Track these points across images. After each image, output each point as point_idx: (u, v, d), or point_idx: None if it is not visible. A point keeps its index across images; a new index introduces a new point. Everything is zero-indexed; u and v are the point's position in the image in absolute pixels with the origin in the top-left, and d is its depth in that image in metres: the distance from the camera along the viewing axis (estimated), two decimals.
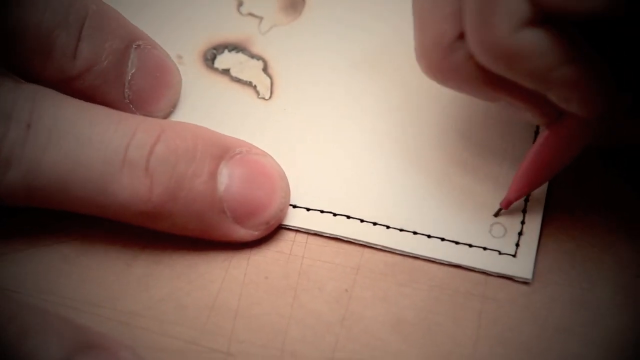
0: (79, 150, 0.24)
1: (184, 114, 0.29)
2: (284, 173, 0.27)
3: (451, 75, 0.23)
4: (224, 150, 0.25)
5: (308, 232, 0.26)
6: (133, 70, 0.27)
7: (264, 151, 0.27)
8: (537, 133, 0.28)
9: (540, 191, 0.27)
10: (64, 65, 0.25)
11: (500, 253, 0.26)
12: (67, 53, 0.25)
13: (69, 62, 0.26)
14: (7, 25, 0.24)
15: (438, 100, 0.29)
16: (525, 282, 0.25)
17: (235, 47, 0.30)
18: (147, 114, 0.27)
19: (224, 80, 0.29)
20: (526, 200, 0.27)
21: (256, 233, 0.26)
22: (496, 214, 0.26)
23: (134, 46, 0.27)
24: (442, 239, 0.26)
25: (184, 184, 0.24)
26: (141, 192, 0.24)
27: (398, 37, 0.30)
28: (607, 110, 0.22)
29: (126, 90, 0.27)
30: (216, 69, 0.30)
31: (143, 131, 0.24)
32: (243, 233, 0.26)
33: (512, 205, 0.26)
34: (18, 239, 0.26)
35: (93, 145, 0.24)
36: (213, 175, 0.25)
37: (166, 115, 0.28)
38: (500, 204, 0.26)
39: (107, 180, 0.24)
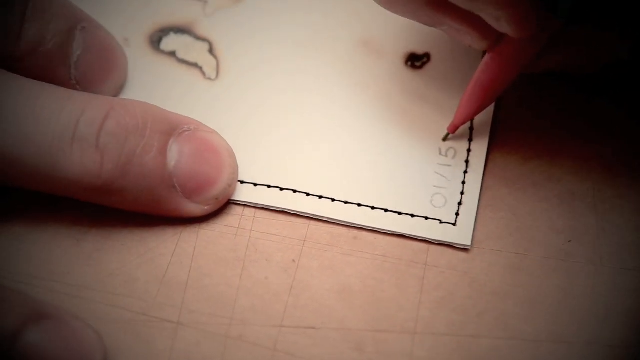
0: (27, 127, 0.24)
1: (131, 95, 0.29)
2: (232, 150, 0.27)
3: None
4: (172, 127, 0.26)
5: (255, 207, 0.27)
6: (79, 52, 0.27)
7: (211, 128, 0.27)
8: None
9: (479, 159, 0.28)
10: (8, 46, 0.26)
11: (441, 222, 0.27)
12: (11, 34, 0.26)
13: (13, 43, 0.26)
14: None
15: (377, 75, 0.30)
16: (464, 249, 0.27)
17: (180, 30, 0.31)
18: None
19: (170, 62, 0.30)
20: (465, 172, 0.28)
21: (206, 208, 0.26)
22: (444, 139, 0.28)
23: (79, 28, 0.27)
24: (386, 210, 0.27)
25: (134, 160, 0.25)
26: (91, 168, 0.24)
27: (341, 15, 0.31)
28: (536, 30, 0.24)
29: (72, 71, 0.27)
30: (162, 51, 0.30)
31: (92, 108, 0.25)
32: (193, 208, 0.26)
33: (452, 175, 0.27)
34: None
35: (42, 122, 0.24)
36: (163, 151, 0.25)
37: (113, 97, 0.29)
38: (448, 128, 0.27)
39: (56, 156, 0.24)
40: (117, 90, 0.29)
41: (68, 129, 0.24)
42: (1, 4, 0.25)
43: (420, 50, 0.30)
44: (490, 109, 0.29)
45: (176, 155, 0.26)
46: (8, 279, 0.25)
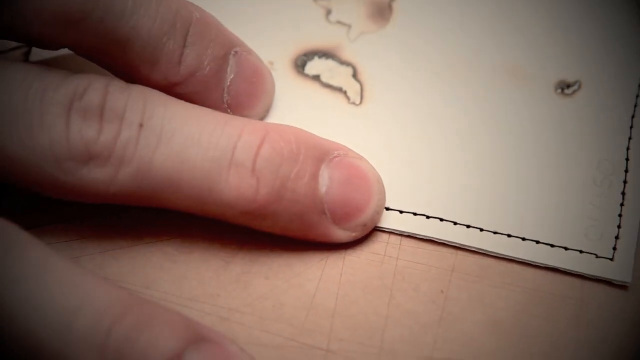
0: (188, 150, 0.25)
1: (277, 119, 0.29)
2: (379, 176, 0.27)
3: None
4: (324, 153, 0.26)
5: (401, 234, 0.27)
6: (232, 76, 0.28)
7: (359, 154, 0.27)
8: (630, 139, 0.28)
9: (636, 190, 0.27)
10: (169, 71, 0.26)
11: (597, 256, 0.26)
12: (172, 60, 0.26)
13: (174, 69, 0.26)
14: (120, 33, 0.25)
15: (526, 103, 0.29)
16: (623, 286, 0.25)
17: (325, 54, 0.31)
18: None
19: (314, 86, 0.30)
20: (622, 205, 0.27)
21: (353, 234, 0.26)
22: None
23: (232, 53, 0.28)
24: (537, 242, 0.26)
25: (288, 185, 0.25)
26: (247, 193, 0.25)
27: (486, 43, 0.30)
28: None
29: (225, 95, 0.28)
30: (307, 75, 0.30)
31: (249, 133, 0.25)
32: (341, 234, 0.26)
33: (607, 207, 0.26)
34: (121, 236, 0.27)
35: (201, 145, 0.25)
36: (315, 177, 0.25)
37: (260, 120, 0.29)
38: None
39: (214, 180, 0.25)
40: (265, 114, 0.29)
41: (226, 153, 0.25)
42: (165, 30, 0.26)
43: (571, 77, 0.29)
44: None
45: (327, 181, 0.26)
46: (162, 299, 0.25)
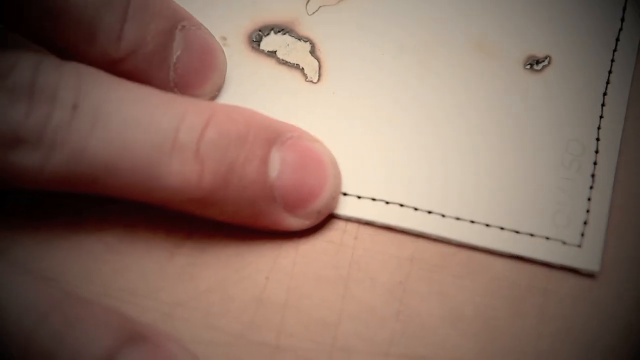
0: (126, 133, 0.23)
1: (229, 98, 0.28)
2: (335, 159, 0.25)
3: None
4: (275, 135, 0.24)
5: (359, 221, 0.25)
6: (178, 53, 0.26)
7: (314, 136, 0.26)
8: (601, 118, 0.27)
9: (606, 173, 0.25)
10: (108, 47, 0.24)
11: (564, 243, 0.24)
12: (112, 35, 0.24)
13: (113, 45, 0.25)
14: (52, 4, 0.23)
15: (493, 80, 0.27)
16: (590, 275, 0.24)
17: (281, 29, 0.29)
18: (192, 97, 0.26)
19: (270, 63, 0.28)
20: (591, 188, 0.25)
21: (307, 222, 0.25)
22: None
23: (179, 27, 0.26)
24: (502, 228, 0.25)
25: (236, 170, 0.23)
26: (191, 178, 0.23)
27: (452, 18, 0.29)
28: None
29: (171, 73, 0.26)
30: (262, 51, 0.29)
31: (193, 114, 0.23)
32: (293, 222, 0.24)
33: (576, 190, 0.25)
34: (59, 225, 0.25)
35: (141, 128, 0.23)
36: (265, 161, 0.24)
37: (211, 99, 0.27)
38: None
39: (155, 165, 0.23)
40: (216, 93, 0.27)
41: (168, 136, 0.23)
42: (102, 3, 0.24)
43: (540, 52, 0.28)
44: (620, 115, 0.26)
45: (278, 165, 0.24)
46: (100, 293, 0.24)
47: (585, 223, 0.25)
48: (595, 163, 0.26)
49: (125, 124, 0.23)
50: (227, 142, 0.23)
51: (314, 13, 0.29)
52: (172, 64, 0.26)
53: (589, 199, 0.25)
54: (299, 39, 0.29)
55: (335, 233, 0.25)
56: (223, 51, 0.28)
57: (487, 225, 0.25)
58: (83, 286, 0.24)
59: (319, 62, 0.28)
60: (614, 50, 0.28)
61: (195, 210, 0.24)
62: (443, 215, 0.25)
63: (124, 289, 0.24)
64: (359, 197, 0.26)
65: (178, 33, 0.26)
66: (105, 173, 0.23)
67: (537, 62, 0.28)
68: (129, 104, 0.23)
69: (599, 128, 0.27)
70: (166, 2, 0.26)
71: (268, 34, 0.29)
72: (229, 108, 0.24)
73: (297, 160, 0.24)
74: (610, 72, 0.28)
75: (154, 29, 0.25)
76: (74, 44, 0.24)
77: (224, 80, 0.28)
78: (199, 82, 0.27)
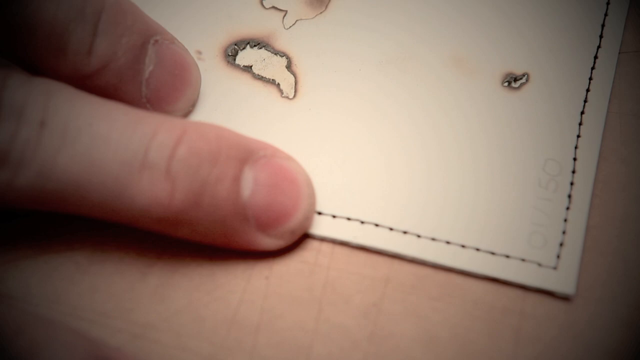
0: (95, 151, 0.22)
1: (204, 113, 0.27)
2: (310, 178, 0.25)
3: None
4: (248, 153, 0.24)
5: (334, 241, 0.25)
6: (151, 68, 0.25)
7: (288, 154, 0.25)
8: (578, 137, 0.26)
9: (583, 194, 0.25)
10: (78, 61, 0.24)
11: (539, 265, 0.24)
12: (82, 49, 0.24)
13: (84, 59, 0.24)
14: (20, 18, 0.23)
15: (470, 97, 0.27)
16: (566, 298, 0.24)
17: (257, 43, 0.29)
18: (165, 113, 0.26)
19: (245, 78, 0.28)
20: (567, 208, 0.25)
21: (280, 242, 0.24)
22: None
23: (151, 41, 0.26)
24: (478, 249, 0.25)
25: (207, 190, 0.23)
26: (161, 198, 0.22)
27: (431, 35, 0.28)
28: None
29: (143, 88, 0.25)
30: (238, 66, 0.28)
31: (164, 131, 0.23)
32: (267, 242, 0.24)
33: (552, 211, 0.25)
34: (27, 245, 0.24)
35: (110, 146, 0.22)
36: (237, 180, 0.23)
37: (185, 115, 0.27)
38: None
39: (124, 183, 0.22)
40: (190, 108, 0.27)
41: (138, 154, 0.23)
42: (72, 16, 0.24)
43: (518, 70, 0.28)
44: (598, 134, 0.26)
45: (251, 184, 0.24)
46: (66, 313, 0.23)
47: (561, 244, 0.25)
48: (572, 183, 0.26)
49: (94, 142, 0.22)
50: (198, 160, 0.23)
51: (290, 27, 0.29)
52: (145, 78, 0.25)
53: (565, 220, 0.25)
54: (275, 54, 0.28)
55: (309, 253, 0.25)
56: (197, 66, 0.27)
57: (463, 246, 0.25)
58: (52, 307, 0.23)
59: (295, 77, 0.28)
60: (592, 68, 0.28)
61: (165, 230, 0.23)
62: (419, 236, 0.25)
63: (94, 310, 0.23)
64: (334, 217, 0.25)
65: (151, 47, 0.25)
66: (73, 191, 0.22)
67: (515, 80, 0.28)
68: (99, 120, 0.23)
69: (576, 147, 0.26)
70: (139, 16, 0.26)
71: (244, 48, 0.29)
72: (200, 126, 0.24)
73: (270, 179, 0.24)
74: (588, 90, 0.27)
75: (126, 43, 0.25)
76: (44, 59, 0.24)
77: (198, 96, 0.27)
78: (173, 97, 0.26)
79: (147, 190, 0.22)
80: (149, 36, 0.26)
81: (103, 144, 0.23)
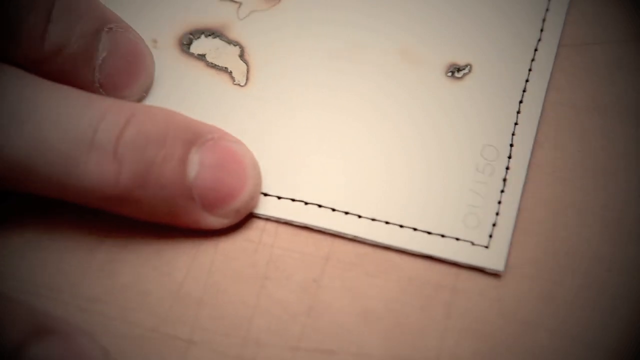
0: (44, 132, 0.23)
1: (157, 100, 0.28)
2: (256, 161, 0.26)
3: None
4: (195, 136, 0.25)
5: (278, 221, 0.26)
6: (104, 54, 0.26)
7: (236, 138, 0.26)
8: (516, 124, 0.28)
9: (517, 177, 0.26)
10: (31, 47, 0.25)
11: (472, 244, 0.25)
12: (34, 35, 0.25)
13: (36, 45, 0.25)
14: None
15: (415, 86, 0.28)
16: (496, 275, 0.25)
17: (212, 33, 0.30)
18: (119, 99, 0.27)
19: (199, 66, 0.29)
20: (502, 191, 0.26)
21: (226, 221, 0.25)
22: None
23: (105, 29, 0.27)
24: (415, 229, 0.26)
25: (153, 170, 0.24)
26: (108, 177, 0.23)
27: (379, 26, 0.29)
28: None
29: (96, 74, 0.26)
30: (192, 54, 0.29)
31: (113, 113, 0.24)
32: (212, 221, 0.25)
33: (488, 193, 0.26)
34: None
35: (60, 127, 0.23)
36: (183, 161, 0.24)
37: (138, 101, 0.28)
38: None
39: (73, 163, 0.23)
40: (143, 95, 0.28)
41: (86, 135, 0.23)
42: (24, 4, 0.24)
43: (462, 60, 0.29)
44: (534, 123, 0.27)
45: (197, 165, 0.25)
46: (17, 289, 0.24)
47: (494, 225, 0.26)
48: (507, 168, 0.27)
49: (43, 123, 0.23)
50: (145, 142, 0.24)
51: (244, 18, 0.30)
52: (98, 65, 0.26)
53: (499, 202, 0.26)
54: (229, 43, 0.29)
55: (254, 232, 0.26)
56: (151, 53, 0.28)
57: (401, 226, 0.26)
58: (0, 282, 0.24)
59: (247, 65, 0.29)
60: (532, 60, 0.29)
61: (113, 208, 0.24)
62: (359, 216, 0.26)
63: (42, 285, 0.24)
64: (279, 198, 0.26)
65: (104, 35, 0.26)
66: (22, 171, 0.23)
67: (459, 70, 0.29)
68: (48, 102, 0.24)
69: (513, 134, 0.27)
70: (93, 4, 0.26)
71: (199, 38, 0.30)
72: (149, 108, 0.25)
73: (217, 161, 0.25)
74: (527, 80, 0.29)
75: (79, 30, 0.26)
76: None
77: (152, 82, 0.28)
78: (126, 84, 0.27)
79: (95, 170, 0.23)
80: (102, 24, 0.26)
81: (52, 124, 0.23)
